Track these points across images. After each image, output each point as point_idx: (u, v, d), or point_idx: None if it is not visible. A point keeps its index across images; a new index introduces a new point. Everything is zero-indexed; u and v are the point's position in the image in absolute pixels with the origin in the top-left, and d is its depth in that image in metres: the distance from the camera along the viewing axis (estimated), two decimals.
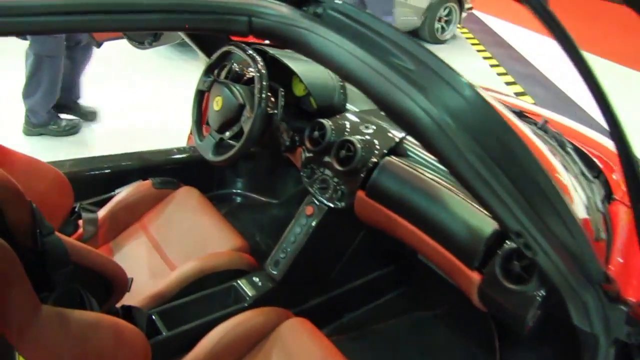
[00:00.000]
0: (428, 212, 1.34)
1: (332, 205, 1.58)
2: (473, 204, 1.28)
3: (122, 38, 2.16)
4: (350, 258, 1.78)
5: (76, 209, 1.88)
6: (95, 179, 2.02)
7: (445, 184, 1.37)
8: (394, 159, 1.48)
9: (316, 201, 1.64)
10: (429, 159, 1.47)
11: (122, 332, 1.15)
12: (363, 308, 1.95)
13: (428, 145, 0.90)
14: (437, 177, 1.39)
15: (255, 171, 2.44)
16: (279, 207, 2.39)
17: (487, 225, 1.23)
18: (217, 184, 2.40)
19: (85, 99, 3.77)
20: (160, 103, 4.07)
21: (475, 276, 1.23)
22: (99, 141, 3.52)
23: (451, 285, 1.91)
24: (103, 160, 2.06)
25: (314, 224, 1.63)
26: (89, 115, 3.70)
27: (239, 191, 2.45)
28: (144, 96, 4.18)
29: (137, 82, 4.41)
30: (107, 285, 1.39)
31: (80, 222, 1.85)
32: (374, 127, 1.61)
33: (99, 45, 3.18)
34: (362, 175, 1.49)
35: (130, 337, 1.17)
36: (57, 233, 1.27)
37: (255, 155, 2.34)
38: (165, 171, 2.08)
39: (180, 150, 2.22)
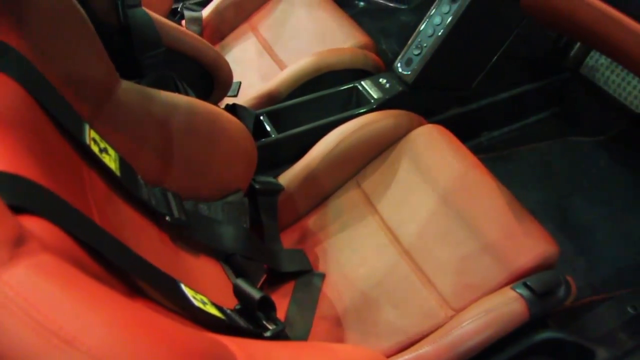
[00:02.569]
0: None
1: None
2: None
3: None
4: (497, 63, 1.43)
5: (179, 9, 1.69)
6: None
7: None
8: None
9: None
10: None
11: (222, 123, 0.94)
12: (506, 127, 1.64)
13: None
14: None
15: None
16: (410, 12, 2.03)
17: None
18: None
19: None
20: None
21: None
22: None
23: (620, 107, 1.54)
24: None
25: (458, 11, 1.28)
26: None
27: None
28: None
29: None
30: (207, 78, 1.19)
31: (183, 22, 1.67)
32: None
33: None
34: None
35: (232, 130, 0.97)
36: (147, 9, 1.06)
37: None
38: None
39: None
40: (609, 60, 1.52)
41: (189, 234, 0.85)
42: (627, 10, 0.95)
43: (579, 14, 1.04)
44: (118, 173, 0.72)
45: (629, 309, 1.19)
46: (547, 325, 1.00)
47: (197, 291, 0.66)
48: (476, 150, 1.17)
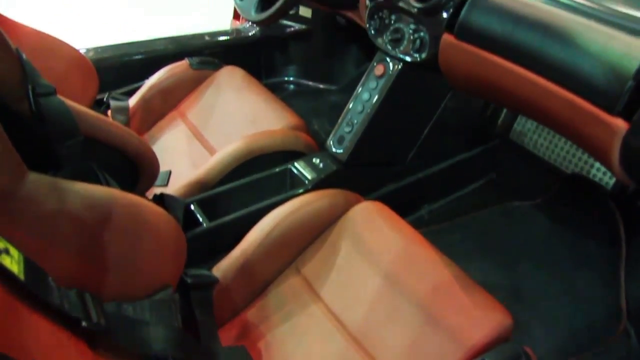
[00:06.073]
0: (545, 48, 0.97)
1: (409, 58, 1.22)
2: (607, 30, 0.90)
3: None
4: (429, 136, 1.44)
5: (104, 99, 1.64)
6: (125, 67, 1.77)
7: (565, 12, 0.98)
8: None
9: (388, 57, 1.29)
10: None
11: (145, 215, 0.87)
12: (445, 198, 1.63)
13: None
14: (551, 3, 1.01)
15: (310, 54, 2.10)
16: (339, 93, 2.06)
17: (630, 58, 0.86)
18: (266, 72, 2.09)
19: None
20: None
21: (619, 123, 0.87)
22: None
23: (551, 169, 1.57)
24: (134, 46, 1.79)
25: (385, 86, 1.28)
26: None
27: (291, 79, 2.13)
28: None
29: None
30: (131, 167, 1.12)
31: (109, 112, 1.60)
32: None
33: None
34: (447, 13, 1.13)
35: (157, 222, 0.89)
36: (64, 99, 1.01)
37: (309, 35, 2.01)
38: (205, 56, 1.78)
39: (222, 33, 1.93)
40: (535, 124, 1.56)
41: (111, 340, 0.76)
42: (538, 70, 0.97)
43: (497, 80, 1.06)
44: (22, 277, 0.63)
45: None
46: None
47: None
48: (418, 224, 1.14)
